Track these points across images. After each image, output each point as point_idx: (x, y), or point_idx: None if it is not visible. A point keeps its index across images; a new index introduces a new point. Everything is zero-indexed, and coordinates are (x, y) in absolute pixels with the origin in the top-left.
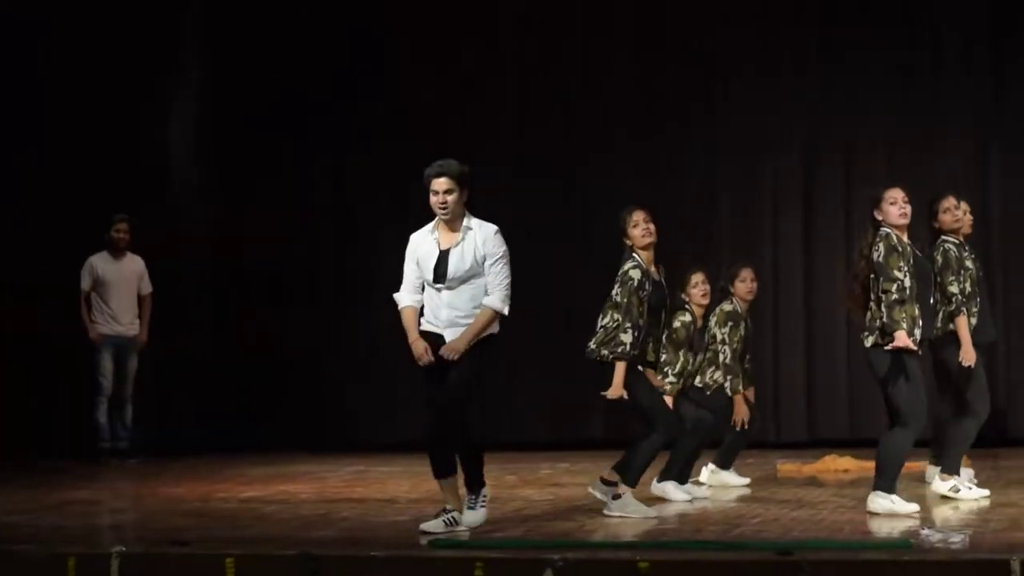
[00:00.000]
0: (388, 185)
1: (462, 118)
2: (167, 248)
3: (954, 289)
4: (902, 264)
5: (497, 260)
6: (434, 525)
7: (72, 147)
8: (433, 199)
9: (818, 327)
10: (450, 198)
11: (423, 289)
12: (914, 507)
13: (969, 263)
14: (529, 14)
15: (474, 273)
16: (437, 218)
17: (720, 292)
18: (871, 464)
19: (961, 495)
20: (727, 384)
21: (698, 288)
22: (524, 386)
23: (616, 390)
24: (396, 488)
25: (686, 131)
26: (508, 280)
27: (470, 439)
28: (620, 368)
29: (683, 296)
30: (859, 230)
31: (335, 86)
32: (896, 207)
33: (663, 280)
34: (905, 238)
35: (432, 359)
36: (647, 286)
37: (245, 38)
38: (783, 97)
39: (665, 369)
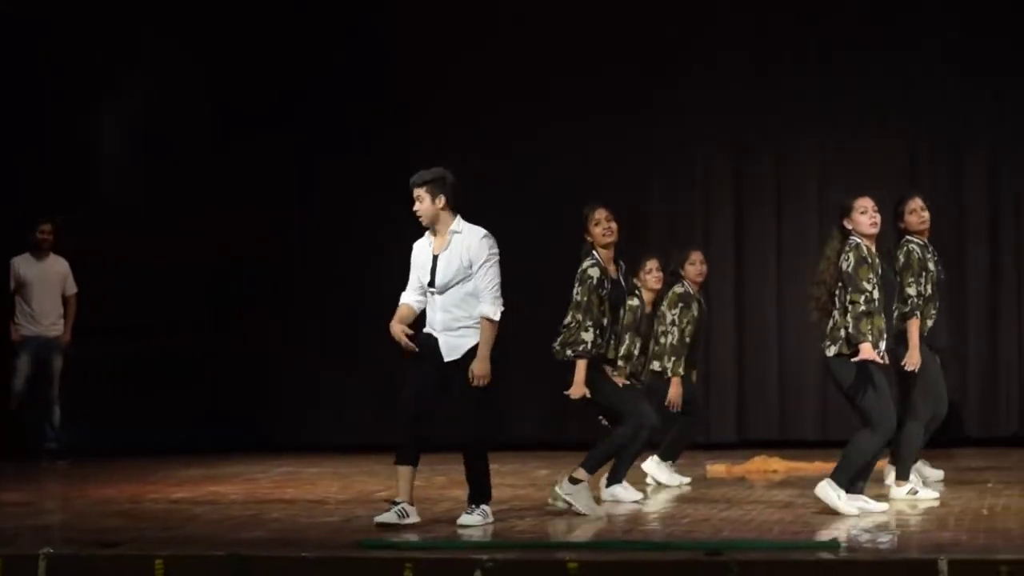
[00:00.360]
0: (330, 184)
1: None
2: (95, 248)
3: (912, 291)
4: (871, 275)
5: (484, 264)
6: (387, 517)
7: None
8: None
9: (748, 328)
10: (421, 206)
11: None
12: (854, 510)
13: (931, 265)
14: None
15: (462, 277)
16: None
17: (671, 275)
18: (800, 465)
19: (920, 496)
20: (668, 365)
21: (652, 274)
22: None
23: (578, 389)
24: (326, 489)
25: (624, 128)
26: (497, 283)
27: (481, 454)
28: (581, 366)
29: (634, 281)
30: (796, 229)
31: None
32: (867, 216)
33: (621, 279)
34: (873, 248)
35: (414, 348)
36: (606, 284)
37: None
38: (716, 95)
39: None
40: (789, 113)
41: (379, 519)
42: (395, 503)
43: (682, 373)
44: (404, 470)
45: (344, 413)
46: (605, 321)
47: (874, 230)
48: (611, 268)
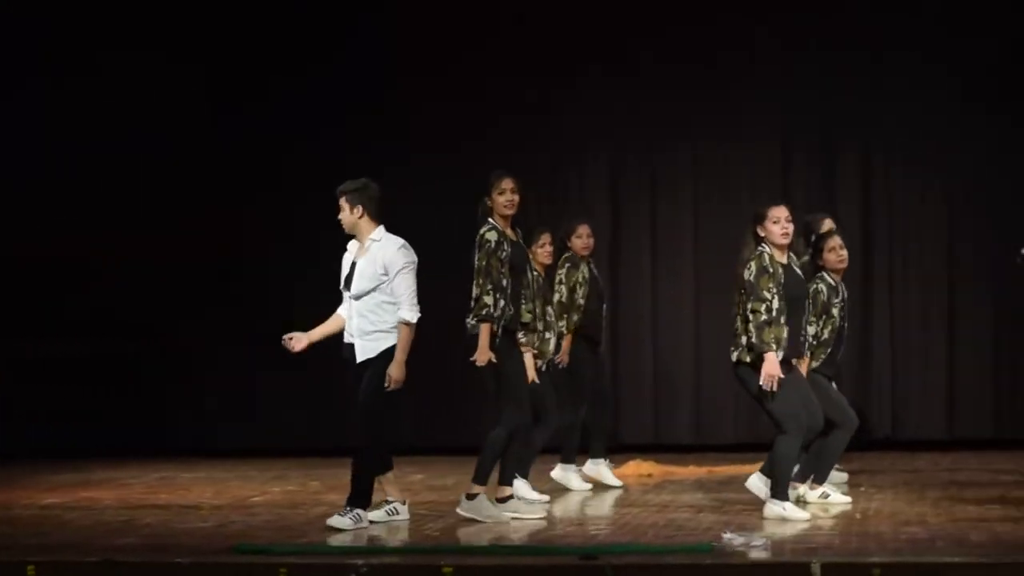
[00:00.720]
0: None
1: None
2: None
3: (810, 330)
4: (772, 285)
5: (400, 272)
6: (377, 515)
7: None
8: None
9: (622, 333)
10: (342, 214)
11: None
12: (805, 514)
13: (835, 311)
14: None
15: (376, 284)
16: None
17: (559, 246)
18: (674, 469)
19: (831, 500)
20: (562, 323)
21: (544, 248)
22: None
23: (483, 354)
24: (200, 494)
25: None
26: (413, 290)
27: (370, 457)
28: (484, 331)
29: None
30: (671, 229)
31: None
32: (779, 226)
33: (521, 241)
34: (782, 256)
35: (294, 348)
36: (505, 246)
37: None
38: (593, 97)
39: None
40: (661, 114)
41: (370, 516)
42: (387, 502)
43: (571, 330)
44: (383, 477)
45: (218, 418)
46: (506, 283)
47: (784, 240)
48: (510, 232)
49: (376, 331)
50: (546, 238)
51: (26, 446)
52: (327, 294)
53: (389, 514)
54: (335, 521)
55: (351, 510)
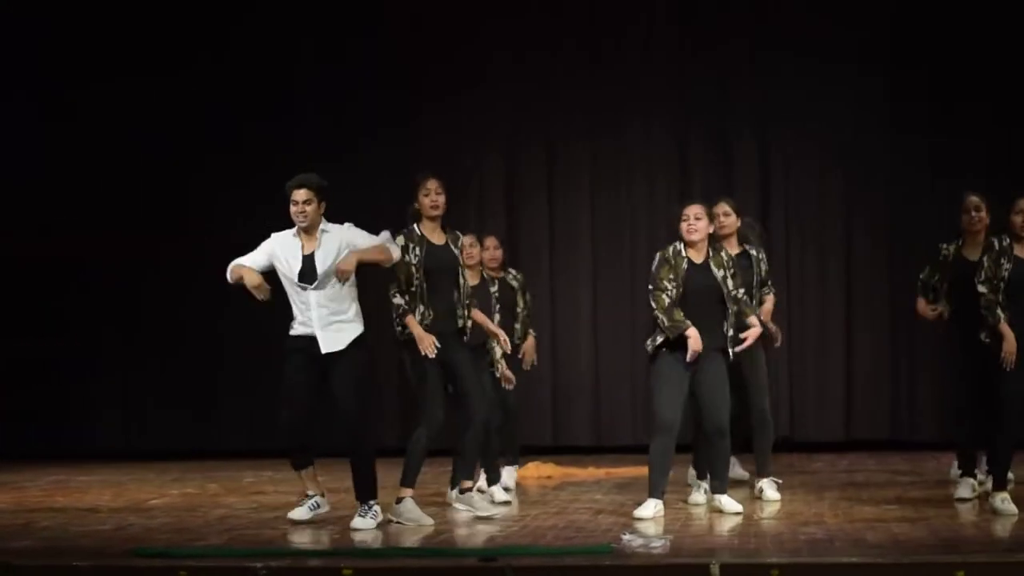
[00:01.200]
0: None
1: None
2: None
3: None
4: (671, 275)
5: (362, 237)
6: (300, 513)
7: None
8: (293, 208)
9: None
10: (309, 208)
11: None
12: (648, 511)
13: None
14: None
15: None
16: (296, 226)
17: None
18: (574, 471)
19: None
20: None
21: (466, 251)
22: None
23: (422, 342)
24: (98, 497)
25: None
26: (379, 235)
27: (367, 445)
28: (410, 322)
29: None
30: (568, 224)
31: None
32: (686, 223)
33: (451, 245)
34: (697, 254)
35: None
36: (416, 251)
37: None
38: (486, 95)
39: None
40: (560, 106)
41: (292, 514)
42: (309, 496)
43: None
44: (305, 472)
45: (117, 419)
46: (416, 287)
47: (690, 236)
48: (435, 236)
49: (340, 320)
50: (468, 239)
51: None
52: None
53: (312, 509)
54: (358, 523)
55: (369, 507)
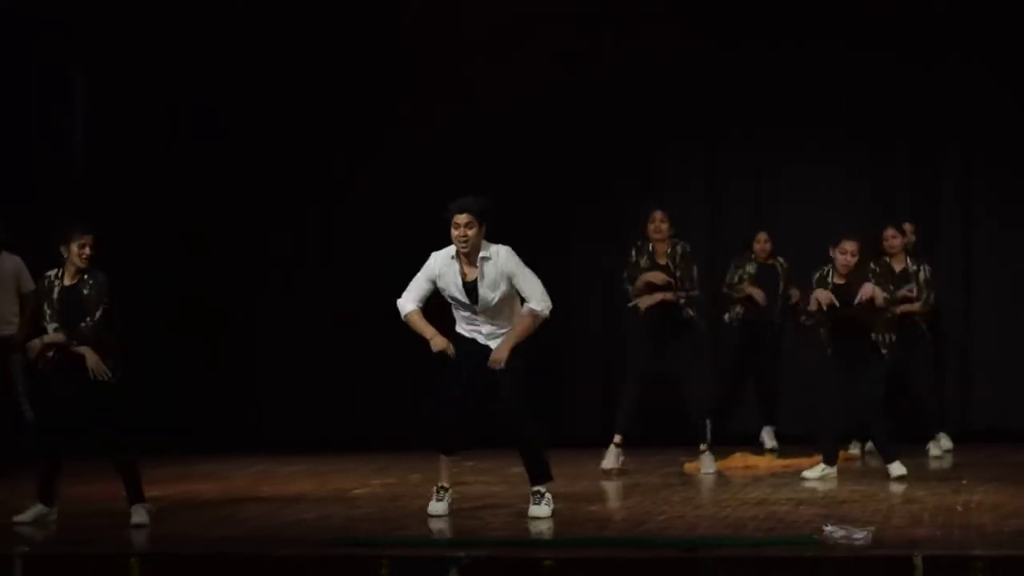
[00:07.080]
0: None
1: None
2: None
3: None
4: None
5: (520, 273)
6: (439, 508)
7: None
8: (455, 232)
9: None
10: (471, 232)
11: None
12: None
13: None
14: None
15: (504, 292)
16: (456, 249)
17: None
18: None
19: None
20: None
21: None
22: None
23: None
24: (301, 487)
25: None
26: (539, 284)
27: (535, 434)
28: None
29: None
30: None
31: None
32: (652, 225)
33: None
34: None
35: (453, 352)
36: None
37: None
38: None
39: None
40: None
41: (431, 509)
42: (444, 488)
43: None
44: (445, 460)
45: (320, 410)
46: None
47: (656, 236)
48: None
49: (504, 331)
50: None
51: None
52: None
53: (448, 501)
54: (535, 511)
55: (542, 494)
